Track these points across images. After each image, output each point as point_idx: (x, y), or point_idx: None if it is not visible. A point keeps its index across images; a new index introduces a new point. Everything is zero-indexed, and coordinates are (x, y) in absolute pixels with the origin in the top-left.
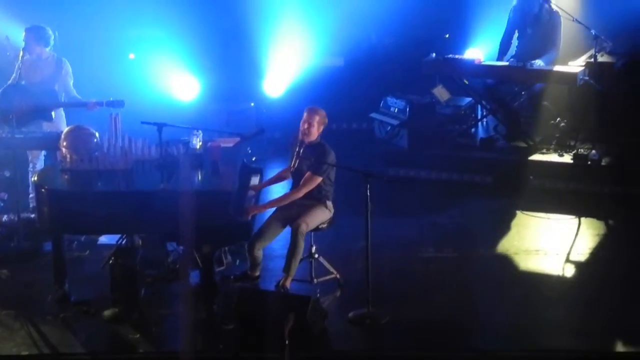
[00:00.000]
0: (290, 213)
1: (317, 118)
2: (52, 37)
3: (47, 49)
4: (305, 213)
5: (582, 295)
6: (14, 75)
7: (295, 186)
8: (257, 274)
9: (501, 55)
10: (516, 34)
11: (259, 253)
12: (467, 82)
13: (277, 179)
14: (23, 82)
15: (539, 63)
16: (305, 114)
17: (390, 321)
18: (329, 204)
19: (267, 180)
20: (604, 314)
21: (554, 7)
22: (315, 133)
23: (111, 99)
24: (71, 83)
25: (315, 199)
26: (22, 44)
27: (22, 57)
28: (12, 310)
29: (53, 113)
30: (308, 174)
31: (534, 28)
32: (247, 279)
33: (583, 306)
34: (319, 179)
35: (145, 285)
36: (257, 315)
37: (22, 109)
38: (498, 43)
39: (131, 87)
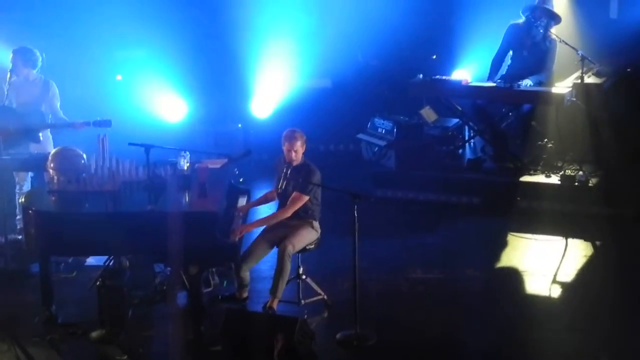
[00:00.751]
0: (277, 234)
1: (298, 143)
2: (40, 59)
3: (35, 71)
4: (292, 234)
5: (569, 316)
6: (4, 97)
7: (282, 207)
8: (245, 295)
9: (493, 73)
10: (510, 53)
11: (246, 274)
12: (457, 106)
13: (264, 200)
14: (10, 104)
15: (526, 83)
16: (286, 144)
17: (377, 342)
18: (316, 224)
19: (253, 201)
20: (591, 336)
21: (553, 36)
22: (300, 156)
23: (98, 118)
24: (58, 105)
25: (301, 219)
26: (9, 66)
27: (10, 78)
28: None
29: (40, 134)
30: (295, 193)
31: (530, 52)
32: (234, 300)
33: (570, 328)
34: (306, 198)
35: (133, 306)
36: (245, 337)
37: (9, 130)
38: (486, 64)
39: (119, 109)
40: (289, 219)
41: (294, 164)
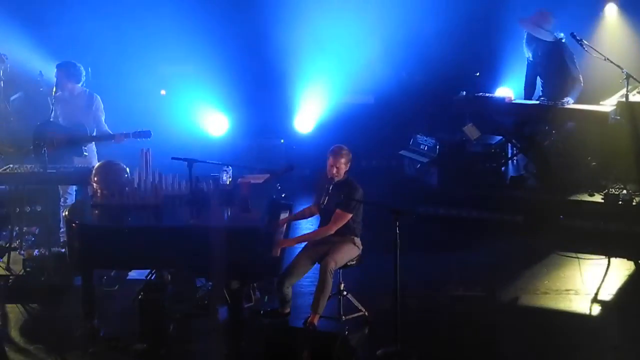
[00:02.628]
0: (319, 250)
1: (342, 160)
2: (83, 73)
3: (79, 85)
4: (334, 250)
5: (611, 336)
6: (52, 112)
7: (323, 223)
8: (287, 310)
9: (527, 98)
10: (538, 78)
11: (289, 290)
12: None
13: (302, 215)
14: (56, 118)
15: (566, 100)
16: (330, 158)
17: (418, 359)
18: (357, 240)
19: (292, 215)
20: (634, 356)
21: (562, 38)
22: (342, 173)
23: (138, 130)
24: (103, 118)
25: (343, 235)
26: (54, 80)
27: (55, 93)
28: (42, 345)
29: (84, 148)
30: (338, 210)
31: (548, 70)
32: (276, 315)
33: (612, 348)
34: (349, 216)
35: (174, 320)
36: (286, 353)
37: (54, 144)
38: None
39: (162, 123)
40: (332, 236)
41: (336, 179)
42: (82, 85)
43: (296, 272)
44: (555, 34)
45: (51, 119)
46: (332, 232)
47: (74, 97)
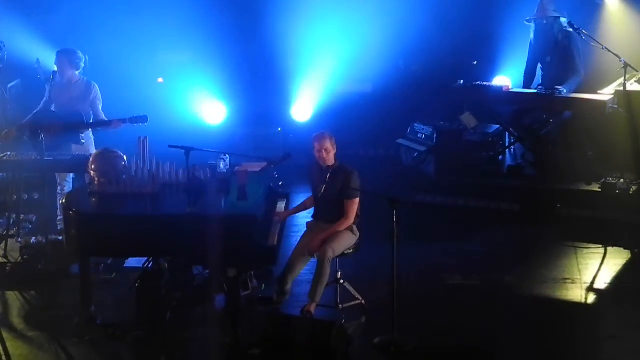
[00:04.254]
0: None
1: (328, 142)
2: (83, 60)
3: (78, 72)
4: (333, 239)
5: (608, 324)
6: (45, 97)
7: (321, 212)
8: (281, 300)
9: (526, 87)
10: (539, 65)
11: (290, 286)
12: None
13: (304, 206)
14: (47, 104)
15: (561, 90)
16: (315, 144)
17: (415, 348)
18: (355, 228)
19: (292, 208)
20: (630, 345)
21: (569, 29)
22: (332, 156)
23: (135, 115)
24: (100, 106)
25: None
26: (53, 67)
27: (53, 79)
28: (39, 332)
29: (82, 135)
30: (346, 201)
31: (552, 56)
32: (271, 303)
33: (608, 336)
34: (357, 200)
35: (171, 308)
36: (283, 341)
37: (51, 131)
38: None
39: (160, 111)
40: (329, 224)
41: (328, 164)
42: (80, 73)
43: (298, 267)
44: (561, 15)
45: (42, 105)
46: (352, 221)
47: (72, 84)
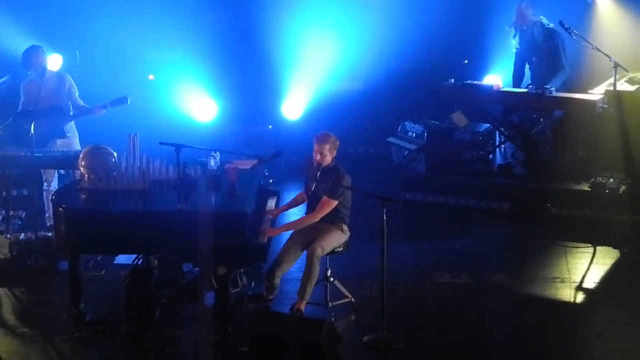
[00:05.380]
0: (307, 237)
1: (327, 146)
2: (46, 53)
3: (47, 67)
4: (322, 237)
5: (597, 323)
6: (22, 98)
7: (311, 209)
8: (271, 297)
9: (515, 87)
10: (527, 66)
11: (278, 280)
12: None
13: (294, 203)
14: (26, 105)
15: (549, 88)
16: (315, 145)
17: (404, 346)
18: (345, 227)
19: (284, 205)
20: (619, 343)
21: (549, 25)
22: (329, 159)
23: (114, 98)
24: (77, 94)
25: (332, 222)
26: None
27: (29, 80)
28: (28, 328)
29: (66, 129)
30: (324, 198)
31: (538, 56)
32: (261, 300)
33: (597, 335)
34: (335, 203)
35: (161, 305)
36: (272, 338)
37: (36, 129)
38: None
39: (150, 108)
40: (320, 222)
41: (324, 165)
42: (49, 67)
43: (286, 261)
44: (540, 17)
45: (20, 107)
46: (317, 219)
47: (45, 80)
